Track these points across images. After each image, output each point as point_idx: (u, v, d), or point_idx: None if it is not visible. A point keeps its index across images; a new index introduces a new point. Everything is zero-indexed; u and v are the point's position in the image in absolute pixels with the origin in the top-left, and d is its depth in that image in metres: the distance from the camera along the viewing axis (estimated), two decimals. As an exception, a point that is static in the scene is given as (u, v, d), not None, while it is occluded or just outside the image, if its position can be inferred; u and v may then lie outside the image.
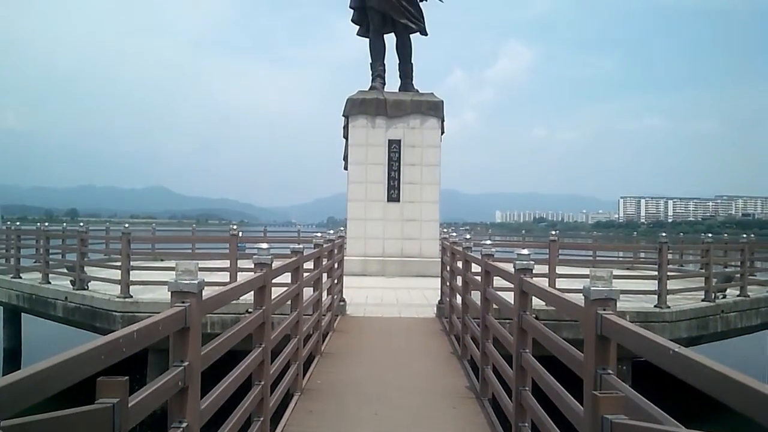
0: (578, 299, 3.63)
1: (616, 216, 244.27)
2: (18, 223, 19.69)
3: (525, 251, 5.32)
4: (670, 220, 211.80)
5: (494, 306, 6.99)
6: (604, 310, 3.20)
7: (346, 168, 20.27)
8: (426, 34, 20.93)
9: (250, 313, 5.15)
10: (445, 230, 18.46)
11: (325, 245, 9.70)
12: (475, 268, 8.11)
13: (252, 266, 5.33)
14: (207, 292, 3.53)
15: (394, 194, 19.80)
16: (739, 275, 14.43)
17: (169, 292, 3.26)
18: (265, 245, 5.33)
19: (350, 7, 21.03)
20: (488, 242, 7.94)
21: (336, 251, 11.58)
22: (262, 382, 5.11)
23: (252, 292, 5.12)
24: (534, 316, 5.22)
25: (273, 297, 5.58)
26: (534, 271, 5.35)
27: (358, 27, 21.30)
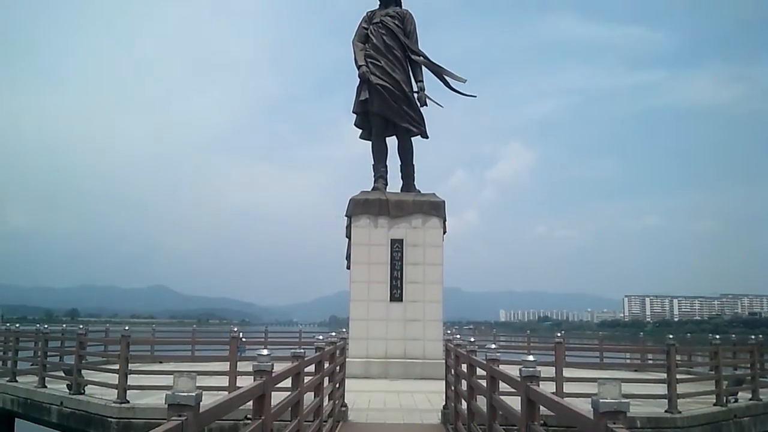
0: (587, 406, 3.52)
1: (622, 315, 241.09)
2: (18, 325, 19.49)
3: (531, 358, 5.22)
4: (676, 319, 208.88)
5: (500, 412, 6.79)
6: (614, 423, 3.10)
7: (348, 267, 20.24)
8: (427, 137, 21.41)
9: (249, 420, 5.01)
10: (448, 330, 18.21)
11: (326, 348, 9.54)
12: (480, 371, 7.93)
13: (252, 369, 5.25)
14: (205, 402, 3.43)
15: (396, 294, 19.64)
16: (750, 378, 14.09)
17: (166, 405, 3.17)
18: (265, 351, 5.25)
19: (353, 112, 21.64)
20: (493, 346, 7.81)
21: (338, 353, 11.38)
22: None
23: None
24: (542, 422, 5.05)
25: (273, 404, 5.44)
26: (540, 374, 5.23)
27: (360, 130, 21.89)
